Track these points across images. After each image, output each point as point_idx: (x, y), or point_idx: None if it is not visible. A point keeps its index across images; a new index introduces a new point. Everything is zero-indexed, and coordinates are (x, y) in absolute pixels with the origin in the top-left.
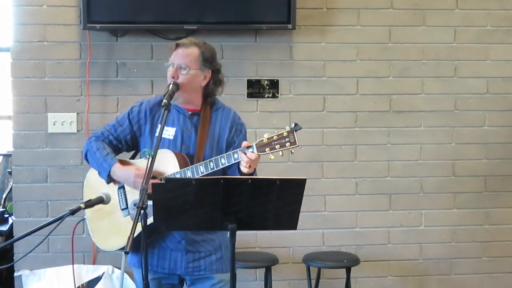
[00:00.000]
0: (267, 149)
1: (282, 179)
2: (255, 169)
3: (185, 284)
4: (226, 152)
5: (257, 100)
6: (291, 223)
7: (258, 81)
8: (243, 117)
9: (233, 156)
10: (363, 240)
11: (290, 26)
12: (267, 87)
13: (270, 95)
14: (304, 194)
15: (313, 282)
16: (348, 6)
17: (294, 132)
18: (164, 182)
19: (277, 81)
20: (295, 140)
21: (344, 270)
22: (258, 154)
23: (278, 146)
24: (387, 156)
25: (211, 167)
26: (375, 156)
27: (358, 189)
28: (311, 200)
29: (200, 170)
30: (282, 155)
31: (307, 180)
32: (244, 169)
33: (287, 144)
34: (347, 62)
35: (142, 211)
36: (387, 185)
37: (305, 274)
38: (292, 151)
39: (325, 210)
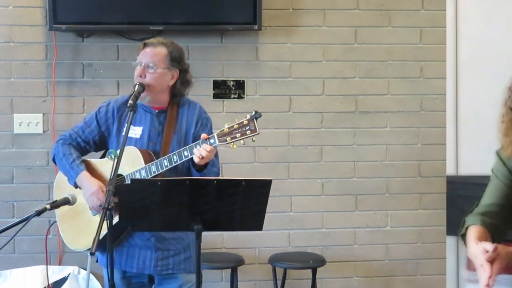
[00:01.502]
0: (228, 139)
1: (248, 180)
2: (208, 163)
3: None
4: None
5: (223, 101)
6: (257, 223)
7: (224, 81)
8: (210, 118)
9: (196, 148)
10: (329, 241)
11: (256, 27)
12: (233, 88)
13: (236, 96)
14: (270, 194)
15: (279, 282)
16: (314, 7)
17: (255, 119)
18: (130, 183)
19: (243, 81)
20: (255, 128)
21: (310, 270)
22: (213, 147)
23: (239, 134)
24: (353, 156)
25: (175, 160)
26: (341, 157)
27: (324, 190)
28: (277, 200)
29: (164, 164)
30: (243, 144)
31: (273, 181)
32: (196, 158)
33: (248, 132)
34: (313, 63)
35: (107, 212)
36: (353, 186)
37: (271, 274)
38: (254, 139)
39: (291, 211)
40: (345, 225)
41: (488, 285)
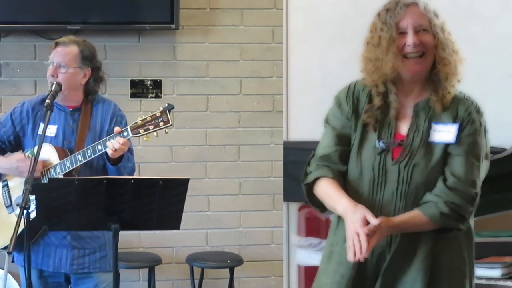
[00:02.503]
0: (141, 131)
1: (165, 179)
2: (123, 155)
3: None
4: None
5: (141, 100)
6: (174, 223)
7: (142, 81)
8: (127, 118)
9: (109, 141)
10: (247, 240)
11: (173, 26)
12: (151, 87)
13: (154, 95)
14: (188, 194)
15: (197, 282)
16: (232, 6)
17: (167, 111)
18: (47, 182)
19: (161, 81)
20: (168, 120)
21: (227, 270)
22: (126, 139)
23: (152, 126)
24: (270, 156)
25: (89, 154)
26: (258, 156)
27: (242, 189)
28: (195, 200)
29: (78, 159)
30: (157, 136)
31: (190, 180)
32: (109, 151)
33: (161, 123)
34: (230, 62)
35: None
36: (270, 185)
37: (189, 274)
38: (166, 131)
39: (209, 210)
40: (262, 224)
41: (362, 257)
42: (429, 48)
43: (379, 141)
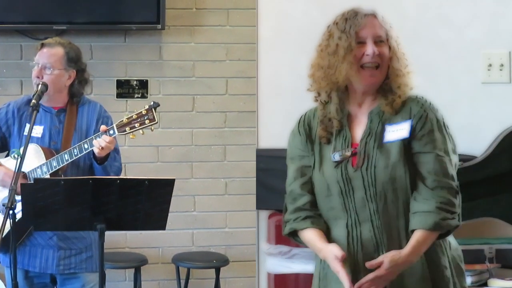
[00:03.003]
0: (127, 129)
1: (151, 179)
2: (109, 154)
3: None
4: None
5: (127, 101)
6: (160, 223)
7: (128, 81)
8: (113, 118)
9: (95, 139)
10: (233, 240)
11: (159, 26)
12: (137, 87)
13: (140, 95)
14: (174, 194)
15: (183, 282)
16: (217, 7)
17: (153, 109)
18: (32, 182)
19: (147, 81)
20: (154, 117)
21: (213, 270)
22: (113, 137)
23: (138, 124)
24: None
25: (75, 153)
26: (244, 156)
27: (228, 189)
28: (181, 200)
29: (65, 158)
30: (142, 134)
31: (176, 180)
32: (95, 149)
33: (147, 121)
34: (216, 62)
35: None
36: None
37: (175, 274)
38: (152, 128)
39: (195, 210)
40: (248, 224)
41: None
42: (385, 60)
43: (333, 154)
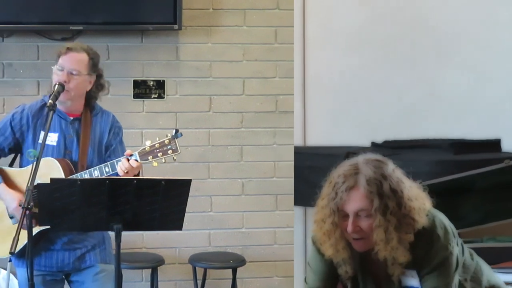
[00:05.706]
0: (149, 157)
1: (167, 180)
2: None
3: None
4: (105, 154)
5: (143, 101)
6: (176, 223)
7: (144, 81)
8: (129, 118)
9: (117, 164)
10: (249, 241)
11: (176, 26)
12: (153, 88)
13: (156, 96)
14: (190, 194)
15: (199, 282)
16: (234, 7)
17: (176, 139)
18: (49, 182)
19: (164, 81)
20: (177, 147)
21: (230, 270)
22: (139, 163)
23: (161, 154)
24: (273, 156)
25: (96, 175)
26: (261, 157)
27: (245, 190)
28: (197, 200)
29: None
30: (164, 162)
31: (193, 181)
32: (120, 171)
33: (169, 151)
34: (233, 63)
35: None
36: (273, 186)
37: (191, 274)
38: (175, 157)
39: (212, 211)
40: (265, 225)
41: None
42: (369, 231)
43: None
